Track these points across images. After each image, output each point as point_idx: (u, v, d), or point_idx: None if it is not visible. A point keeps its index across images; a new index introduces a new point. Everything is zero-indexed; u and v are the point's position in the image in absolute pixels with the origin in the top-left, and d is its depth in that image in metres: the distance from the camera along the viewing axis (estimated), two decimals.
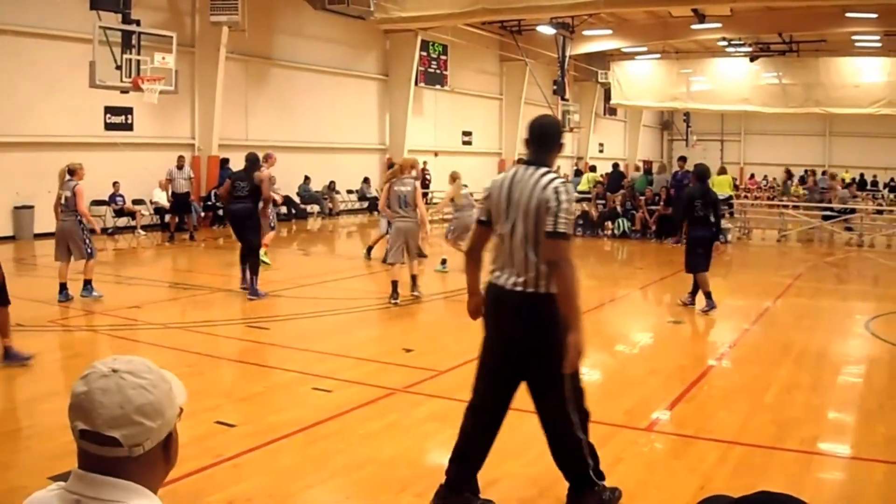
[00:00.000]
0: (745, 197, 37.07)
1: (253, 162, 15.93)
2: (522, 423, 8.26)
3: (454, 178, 18.93)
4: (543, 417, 6.16)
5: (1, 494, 6.20)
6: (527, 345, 5.91)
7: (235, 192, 15.62)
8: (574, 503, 6.08)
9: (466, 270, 6.36)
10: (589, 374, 10.50)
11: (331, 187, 35.04)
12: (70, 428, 2.12)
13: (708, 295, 14.37)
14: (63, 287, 14.50)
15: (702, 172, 14.97)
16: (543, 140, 6.04)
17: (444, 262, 19.19)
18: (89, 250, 14.84)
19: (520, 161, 6.00)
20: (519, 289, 5.75)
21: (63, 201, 14.79)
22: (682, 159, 28.25)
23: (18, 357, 10.23)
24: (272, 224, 19.34)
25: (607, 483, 6.19)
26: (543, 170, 5.82)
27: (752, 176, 51.15)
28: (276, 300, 15.58)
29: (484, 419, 6.19)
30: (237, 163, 28.33)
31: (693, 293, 14.85)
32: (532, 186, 5.71)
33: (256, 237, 15.75)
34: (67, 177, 14.93)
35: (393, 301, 15.01)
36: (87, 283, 14.91)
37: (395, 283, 15.09)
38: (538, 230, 5.68)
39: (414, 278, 15.64)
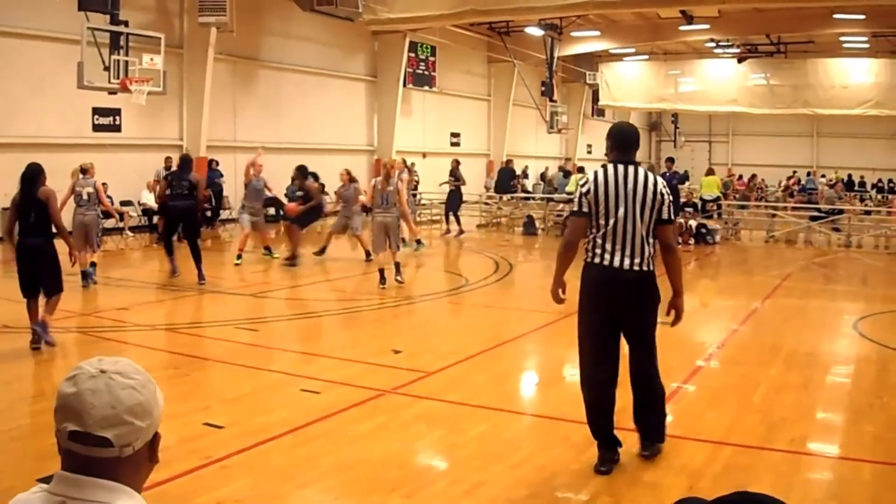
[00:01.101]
0: (734, 198, 37.04)
1: (187, 162, 17.79)
2: (509, 425, 8.30)
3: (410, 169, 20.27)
4: (637, 367, 7.19)
5: None
6: (635, 310, 7.03)
7: (175, 191, 17.05)
8: (648, 453, 7.14)
9: (565, 259, 7.13)
10: (578, 375, 10.55)
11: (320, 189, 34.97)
12: (56, 430, 2.11)
13: None
14: (86, 273, 16.29)
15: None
16: (631, 143, 7.33)
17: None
18: (99, 242, 17.14)
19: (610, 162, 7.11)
20: (636, 268, 6.82)
21: (86, 197, 16.48)
22: (671, 160, 28.28)
23: (47, 338, 11.16)
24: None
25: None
26: (642, 169, 7.06)
27: (741, 177, 51.19)
28: (265, 301, 15.58)
29: (606, 378, 7.04)
30: (226, 164, 28.39)
31: None
32: (644, 183, 6.88)
33: (196, 229, 17.77)
34: (81, 175, 16.65)
35: (381, 286, 16.38)
36: (86, 273, 16.26)
37: (381, 271, 16.58)
38: (652, 219, 6.87)
39: (397, 265, 16.90)
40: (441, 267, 18.43)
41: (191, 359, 10.69)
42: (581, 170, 34.48)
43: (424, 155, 41.10)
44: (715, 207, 28.98)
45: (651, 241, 6.91)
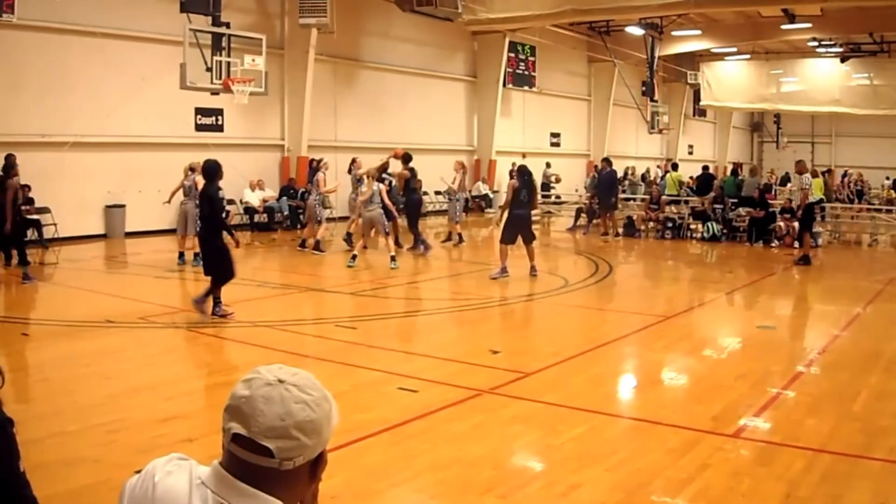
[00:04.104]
0: (837, 199, 36.35)
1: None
2: (606, 427, 8.24)
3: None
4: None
5: (89, 487, 6.30)
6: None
7: None
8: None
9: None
10: (676, 378, 10.45)
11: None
12: (222, 427, 2.10)
13: None
14: (181, 255, 19.27)
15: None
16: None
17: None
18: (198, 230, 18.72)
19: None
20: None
21: (187, 190, 19.11)
22: (606, 160, 30.04)
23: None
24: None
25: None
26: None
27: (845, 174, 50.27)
28: (364, 300, 15.67)
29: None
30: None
31: None
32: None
33: None
34: (190, 172, 18.97)
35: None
36: (197, 255, 17.87)
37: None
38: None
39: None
40: (541, 268, 18.32)
41: (290, 355, 10.77)
42: (675, 167, 34.16)
43: (524, 155, 41.03)
44: (818, 210, 28.41)
45: None
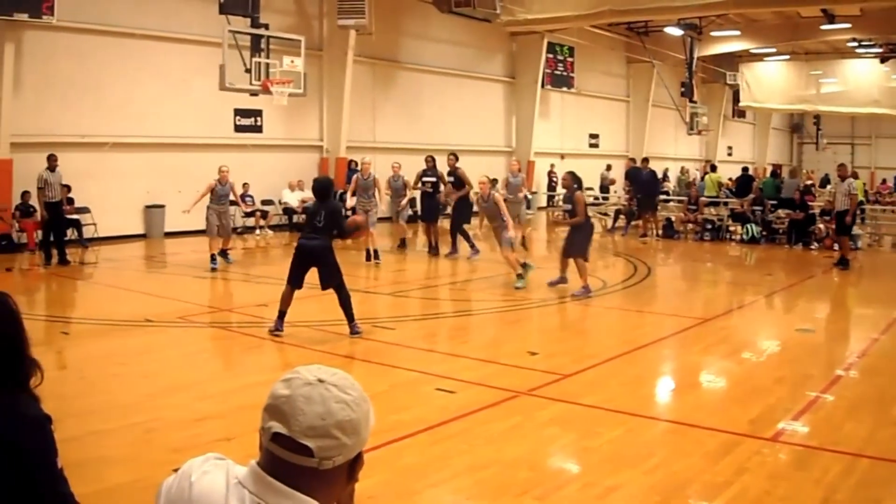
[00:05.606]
0: (877, 202, 35.99)
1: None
2: (643, 430, 8.22)
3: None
4: None
5: (124, 485, 6.38)
6: None
7: None
8: None
9: None
10: (714, 381, 10.40)
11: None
12: (260, 427, 2.08)
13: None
14: (225, 253, 19.22)
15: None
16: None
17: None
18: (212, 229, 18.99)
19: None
20: None
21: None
22: (645, 160, 30.52)
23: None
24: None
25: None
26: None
27: (885, 181, 49.81)
28: (402, 300, 15.69)
29: None
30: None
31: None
32: None
33: None
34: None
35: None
36: (225, 252, 19.18)
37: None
38: None
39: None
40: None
41: (328, 355, 10.79)
42: (713, 168, 34.05)
43: (563, 156, 41.00)
44: (858, 212, 28.18)
45: None
